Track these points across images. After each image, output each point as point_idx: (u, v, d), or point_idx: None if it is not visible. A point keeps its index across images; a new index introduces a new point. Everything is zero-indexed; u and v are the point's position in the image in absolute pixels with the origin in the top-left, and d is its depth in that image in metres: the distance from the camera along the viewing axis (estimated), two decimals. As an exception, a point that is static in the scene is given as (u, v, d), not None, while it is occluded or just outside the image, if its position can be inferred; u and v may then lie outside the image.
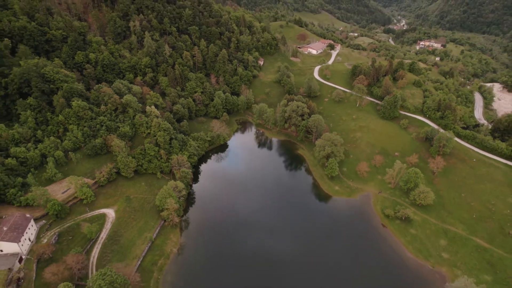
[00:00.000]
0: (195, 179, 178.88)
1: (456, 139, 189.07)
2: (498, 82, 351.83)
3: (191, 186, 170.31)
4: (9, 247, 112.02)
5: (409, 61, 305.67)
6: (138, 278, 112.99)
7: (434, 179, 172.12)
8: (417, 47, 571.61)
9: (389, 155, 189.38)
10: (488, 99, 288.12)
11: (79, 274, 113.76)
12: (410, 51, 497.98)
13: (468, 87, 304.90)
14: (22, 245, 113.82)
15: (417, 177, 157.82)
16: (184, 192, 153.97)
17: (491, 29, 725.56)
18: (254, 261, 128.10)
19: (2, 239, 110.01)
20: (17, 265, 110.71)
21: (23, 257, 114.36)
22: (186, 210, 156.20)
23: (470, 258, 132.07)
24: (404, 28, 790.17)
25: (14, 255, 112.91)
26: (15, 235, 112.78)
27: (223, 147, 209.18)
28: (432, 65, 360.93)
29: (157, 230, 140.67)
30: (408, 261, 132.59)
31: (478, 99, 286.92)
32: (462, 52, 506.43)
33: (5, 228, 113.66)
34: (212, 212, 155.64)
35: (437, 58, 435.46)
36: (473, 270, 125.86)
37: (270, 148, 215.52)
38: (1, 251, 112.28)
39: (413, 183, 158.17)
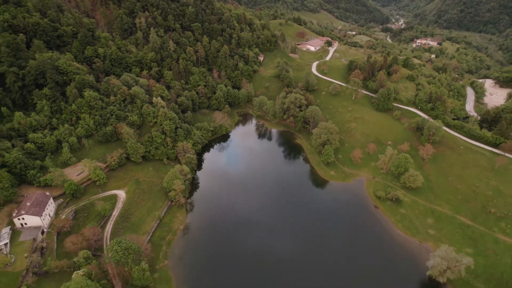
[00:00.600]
0: (199, 166, 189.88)
1: (446, 128, 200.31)
2: (491, 78, 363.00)
3: (195, 171, 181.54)
4: (33, 221, 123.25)
5: (404, 57, 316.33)
6: (149, 248, 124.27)
7: (424, 165, 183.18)
8: (414, 45, 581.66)
9: (382, 144, 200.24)
10: (479, 93, 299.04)
11: (95, 246, 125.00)
12: (406, 49, 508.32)
13: (460, 82, 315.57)
14: (43, 219, 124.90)
15: (407, 162, 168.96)
16: (189, 176, 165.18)
17: (487, 28, 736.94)
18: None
19: (27, 213, 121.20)
20: (40, 237, 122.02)
21: (45, 230, 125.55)
22: (191, 193, 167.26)
23: (454, 234, 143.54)
24: (402, 27, 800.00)
25: (37, 228, 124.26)
26: (38, 210, 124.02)
27: (225, 137, 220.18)
28: (427, 61, 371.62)
29: (165, 210, 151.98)
30: (397, 238, 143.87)
31: (470, 93, 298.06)
32: (457, 50, 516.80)
33: (28, 204, 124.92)
34: (215, 195, 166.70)
35: (433, 55, 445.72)
36: (456, 244, 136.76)
37: (269, 138, 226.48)
38: (26, 224, 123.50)
39: (404, 168, 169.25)
